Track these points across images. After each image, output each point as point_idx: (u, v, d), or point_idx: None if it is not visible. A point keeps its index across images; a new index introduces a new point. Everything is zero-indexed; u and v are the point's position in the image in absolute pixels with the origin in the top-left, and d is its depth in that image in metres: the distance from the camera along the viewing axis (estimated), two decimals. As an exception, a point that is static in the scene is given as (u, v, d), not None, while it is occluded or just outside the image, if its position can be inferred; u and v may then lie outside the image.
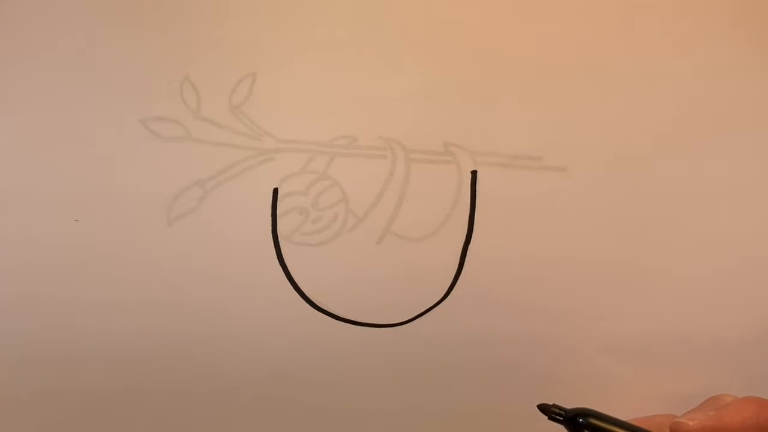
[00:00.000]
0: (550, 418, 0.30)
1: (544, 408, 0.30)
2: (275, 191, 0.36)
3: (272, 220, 0.36)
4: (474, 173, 0.36)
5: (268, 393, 0.37)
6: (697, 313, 0.37)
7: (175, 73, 0.35)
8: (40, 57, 0.35)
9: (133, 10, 0.35)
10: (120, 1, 0.35)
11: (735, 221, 0.37)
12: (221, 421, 0.37)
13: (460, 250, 0.36)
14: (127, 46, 0.35)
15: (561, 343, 0.37)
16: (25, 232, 0.35)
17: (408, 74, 0.36)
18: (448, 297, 0.37)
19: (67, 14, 0.35)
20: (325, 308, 0.36)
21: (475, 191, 0.36)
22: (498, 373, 0.37)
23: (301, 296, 0.36)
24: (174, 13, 0.35)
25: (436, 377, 0.37)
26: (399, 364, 0.37)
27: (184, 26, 0.35)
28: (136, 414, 0.37)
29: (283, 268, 0.36)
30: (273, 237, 0.36)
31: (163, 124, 0.35)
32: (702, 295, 0.37)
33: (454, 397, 0.37)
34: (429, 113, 0.36)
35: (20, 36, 0.35)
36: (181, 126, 0.35)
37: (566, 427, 0.30)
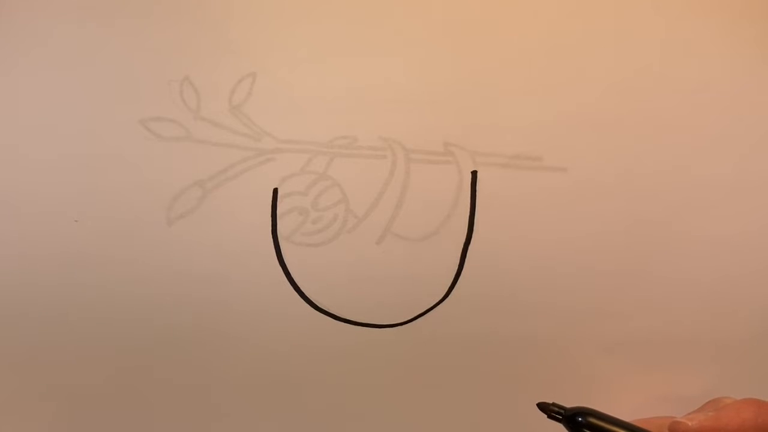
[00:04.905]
0: (550, 416, 0.30)
1: (543, 407, 0.30)
2: (275, 191, 0.36)
3: (272, 221, 0.36)
4: (474, 173, 0.36)
5: (268, 392, 0.37)
6: (698, 314, 0.37)
7: (175, 73, 0.35)
8: (39, 57, 0.35)
9: (133, 11, 0.35)
10: (120, 2, 0.35)
11: (735, 221, 0.37)
12: (221, 420, 0.37)
13: (461, 251, 0.36)
14: (127, 46, 0.35)
15: (561, 343, 0.37)
16: (25, 233, 0.35)
17: (408, 74, 0.36)
18: (448, 297, 0.37)
19: (66, 14, 0.35)
20: (325, 308, 0.36)
21: (475, 191, 0.36)
22: (498, 373, 0.37)
23: (301, 296, 0.36)
24: (174, 13, 0.35)
25: (436, 377, 0.37)
26: (399, 364, 0.37)
27: (184, 26, 0.35)
28: (137, 413, 0.37)
29: (283, 268, 0.36)
30: (273, 237, 0.36)
31: (163, 124, 0.35)
32: (702, 296, 0.37)
33: (454, 397, 0.37)
34: (429, 113, 0.36)
35: (20, 36, 0.35)
36: (181, 126, 0.35)
37: (565, 425, 0.30)
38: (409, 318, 0.37)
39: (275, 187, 0.36)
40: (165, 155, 0.35)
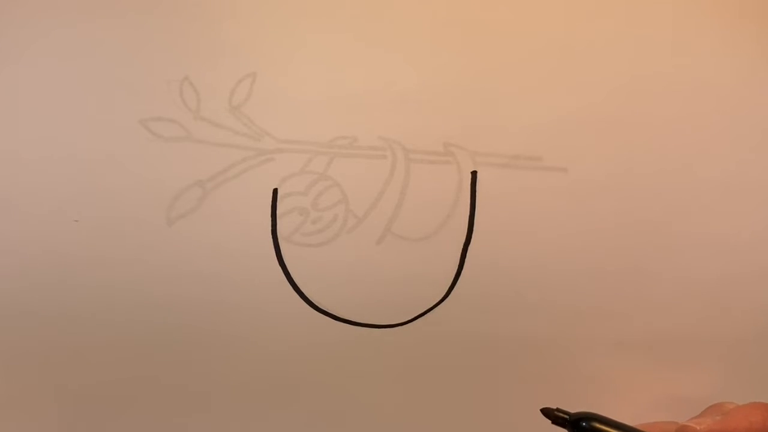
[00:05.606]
0: (554, 422, 0.30)
1: (547, 412, 0.30)
2: (275, 192, 0.36)
3: (272, 221, 0.36)
4: (474, 173, 0.36)
5: (268, 393, 0.37)
6: (699, 313, 0.37)
7: (175, 73, 0.35)
8: (39, 57, 0.35)
9: (132, 11, 0.35)
10: (120, 2, 0.35)
11: (736, 221, 0.37)
12: (221, 420, 0.37)
13: (460, 251, 0.36)
14: (127, 46, 0.35)
15: (561, 343, 0.37)
16: (25, 233, 0.35)
17: (408, 74, 0.36)
18: (448, 297, 0.36)
19: (66, 15, 0.35)
20: (324, 309, 0.36)
21: (475, 192, 0.36)
22: (498, 374, 0.37)
23: (300, 297, 0.36)
24: (174, 13, 0.35)
25: (436, 377, 0.37)
26: (399, 365, 0.37)
27: (184, 26, 0.35)
28: (136, 413, 0.37)
29: (282, 269, 0.36)
30: (273, 237, 0.36)
31: (163, 125, 0.35)
32: (703, 295, 0.37)
33: (454, 397, 0.37)
34: (429, 113, 0.36)
35: (20, 37, 0.35)
36: (181, 126, 0.35)
37: (570, 431, 0.30)
38: (409, 318, 0.37)
39: (275, 187, 0.36)
40: (165, 155, 0.35)
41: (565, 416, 0.29)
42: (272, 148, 0.36)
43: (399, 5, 0.36)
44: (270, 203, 0.36)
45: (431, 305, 0.37)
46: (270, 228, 0.36)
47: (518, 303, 0.37)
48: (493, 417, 0.38)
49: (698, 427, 0.29)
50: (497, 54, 0.36)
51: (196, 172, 0.36)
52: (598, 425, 0.29)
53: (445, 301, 0.37)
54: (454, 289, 0.36)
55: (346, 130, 0.36)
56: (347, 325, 0.37)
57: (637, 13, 0.37)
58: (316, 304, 0.36)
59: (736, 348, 0.38)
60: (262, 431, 0.37)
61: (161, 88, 0.35)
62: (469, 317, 0.37)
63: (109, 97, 0.35)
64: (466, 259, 0.36)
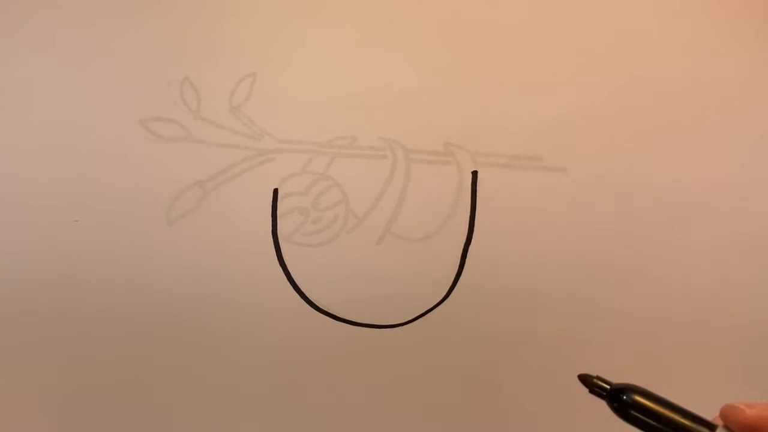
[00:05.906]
0: (591, 390, 0.27)
1: (585, 379, 0.27)
2: (275, 192, 0.36)
3: (272, 221, 0.36)
4: (474, 174, 0.36)
5: (268, 392, 0.37)
6: (697, 313, 0.37)
7: (175, 73, 0.35)
8: (40, 58, 0.35)
9: (132, 12, 0.35)
10: (120, 3, 0.35)
11: (734, 222, 0.37)
12: (220, 419, 0.37)
13: (461, 251, 0.36)
14: (127, 46, 0.35)
15: (561, 343, 0.37)
16: (26, 233, 0.35)
17: (408, 74, 0.36)
18: (449, 298, 0.36)
19: (67, 16, 0.35)
20: (324, 308, 0.36)
21: (475, 192, 0.36)
22: (498, 373, 0.37)
23: (301, 296, 0.36)
24: (174, 13, 0.35)
25: (437, 377, 0.37)
26: (399, 365, 0.37)
27: (184, 26, 0.35)
28: (136, 412, 0.37)
29: (283, 269, 0.36)
30: (273, 237, 0.36)
31: (163, 125, 0.35)
32: (702, 296, 0.37)
33: (454, 397, 0.37)
34: (429, 113, 0.36)
35: (21, 38, 0.35)
36: (182, 126, 0.35)
37: (608, 403, 0.27)
38: (410, 318, 0.37)
39: (275, 187, 0.36)
40: (165, 155, 0.35)
41: (605, 386, 0.27)
42: (272, 148, 0.36)
43: (399, 5, 0.36)
44: (270, 203, 0.36)
45: (431, 305, 0.37)
46: (270, 228, 0.36)
47: (518, 303, 0.37)
48: (493, 416, 0.38)
49: (748, 411, 0.27)
50: (497, 54, 0.36)
51: (196, 172, 0.36)
52: (639, 399, 0.26)
53: (445, 301, 0.37)
54: (455, 289, 0.36)
55: (346, 130, 0.36)
56: (347, 325, 0.37)
57: (637, 13, 0.37)
58: (316, 303, 0.36)
59: (734, 349, 0.38)
60: (261, 429, 0.37)
61: (161, 88, 0.35)
62: (469, 317, 0.37)
63: (109, 97, 0.35)
64: (467, 259, 0.36)
